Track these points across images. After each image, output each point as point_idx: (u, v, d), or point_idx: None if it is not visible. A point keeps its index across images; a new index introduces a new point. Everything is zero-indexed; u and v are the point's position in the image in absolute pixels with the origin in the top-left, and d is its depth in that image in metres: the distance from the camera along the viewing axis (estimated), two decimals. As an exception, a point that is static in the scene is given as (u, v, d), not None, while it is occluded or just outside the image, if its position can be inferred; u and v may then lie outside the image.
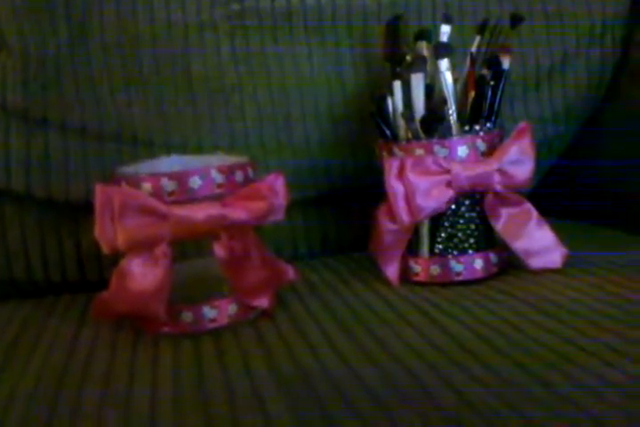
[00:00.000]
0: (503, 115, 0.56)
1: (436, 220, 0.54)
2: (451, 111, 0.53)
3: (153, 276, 0.45)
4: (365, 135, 0.61)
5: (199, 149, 0.60)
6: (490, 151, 0.53)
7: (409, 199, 0.52)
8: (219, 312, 0.48)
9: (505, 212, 0.54)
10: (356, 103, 0.63)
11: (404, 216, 0.52)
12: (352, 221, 0.64)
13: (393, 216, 0.53)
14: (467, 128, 0.53)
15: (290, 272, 0.52)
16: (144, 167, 0.51)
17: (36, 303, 0.57)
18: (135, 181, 0.46)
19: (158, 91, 0.60)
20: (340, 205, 0.65)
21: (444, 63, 0.53)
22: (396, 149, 0.53)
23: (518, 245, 0.53)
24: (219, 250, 0.48)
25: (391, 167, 0.52)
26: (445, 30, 0.56)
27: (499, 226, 0.53)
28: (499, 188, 0.52)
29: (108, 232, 0.45)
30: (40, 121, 0.58)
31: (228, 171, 0.47)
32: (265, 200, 0.47)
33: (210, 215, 0.46)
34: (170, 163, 0.53)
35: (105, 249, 0.46)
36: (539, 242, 0.53)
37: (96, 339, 0.48)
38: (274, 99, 0.61)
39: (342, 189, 0.64)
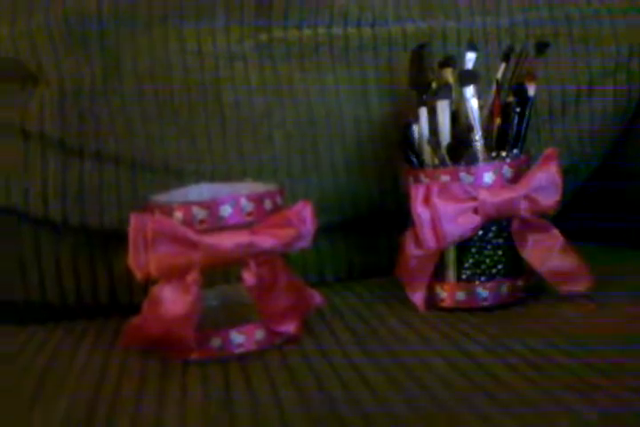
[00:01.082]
0: (529, 139, 0.56)
1: (463, 245, 0.54)
2: (477, 138, 0.53)
3: (183, 302, 0.46)
4: (391, 162, 0.61)
5: (228, 177, 0.61)
6: (516, 177, 0.53)
7: (435, 225, 0.52)
8: (246, 338, 0.49)
9: (531, 237, 0.54)
10: (382, 130, 0.64)
11: (431, 242, 0.53)
12: (377, 247, 0.65)
13: (419, 242, 0.53)
14: (493, 154, 0.54)
15: (317, 298, 0.53)
16: (175, 196, 0.52)
17: (68, 328, 0.58)
18: (167, 210, 0.48)
19: (189, 119, 0.61)
20: (366, 231, 0.65)
21: (470, 90, 0.54)
22: (422, 176, 0.54)
23: (545, 270, 0.54)
24: (247, 277, 0.48)
25: (417, 193, 0.52)
26: (470, 57, 0.57)
27: (526, 252, 0.53)
28: (525, 214, 0.52)
29: (141, 260, 0.46)
30: (76, 150, 0.60)
31: (258, 199, 0.49)
32: (293, 228, 0.48)
33: (239, 243, 0.47)
34: (200, 191, 0.54)
35: (138, 276, 0.47)
36: (566, 267, 0.53)
37: (125, 367, 0.48)
38: (301, 127, 0.63)
39: (368, 215, 0.64)
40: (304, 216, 0.49)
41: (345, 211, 0.64)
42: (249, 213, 0.48)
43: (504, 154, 0.54)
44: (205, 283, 0.48)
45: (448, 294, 0.55)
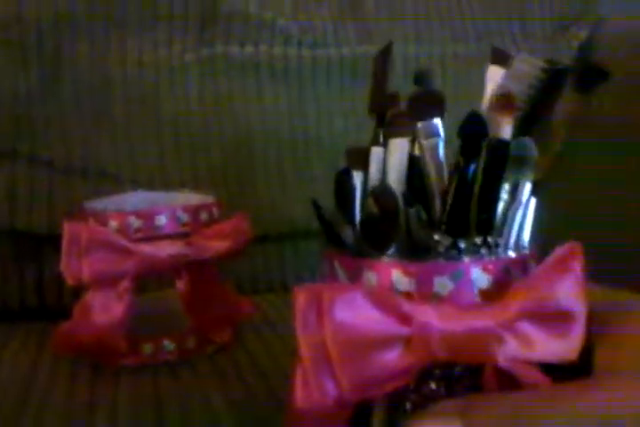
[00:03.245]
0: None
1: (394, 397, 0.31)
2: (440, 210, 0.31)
3: (115, 310, 0.47)
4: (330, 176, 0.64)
5: (165, 185, 0.62)
6: (496, 292, 0.30)
7: (330, 362, 0.29)
8: (178, 345, 0.50)
9: None
10: (318, 146, 0.66)
11: (323, 391, 0.29)
12: (311, 260, 0.67)
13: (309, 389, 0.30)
14: (461, 245, 0.30)
15: (248, 307, 0.55)
16: (111, 203, 0.53)
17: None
18: (102, 218, 0.48)
19: (127, 128, 0.62)
20: (300, 244, 0.67)
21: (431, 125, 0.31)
22: (336, 264, 0.31)
23: None
24: (180, 286, 0.50)
25: (304, 304, 0.30)
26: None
27: None
28: (505, 362, 0.29)
29: (74, 266, 0.47)
30: (9, 153, 0.60)
31: (194, 210, 0.50)
32: (228, 240, 0.50)
33: (173, 254, 0.48)
34: (136, 198, 0.54)
35: (69, 281, 0.47)
36: None
37: (55, 371, 0.48)
38: (239, 141, 0.64)
39: (303, 229, 0.66)
40: (240, 229, 0.51)
41: (280, 224, 0.66)
42: (184, 224, 0.49)
43: (479, 242, 0.30)
44: (138, 290, 0.49)
45: None
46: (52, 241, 0.50)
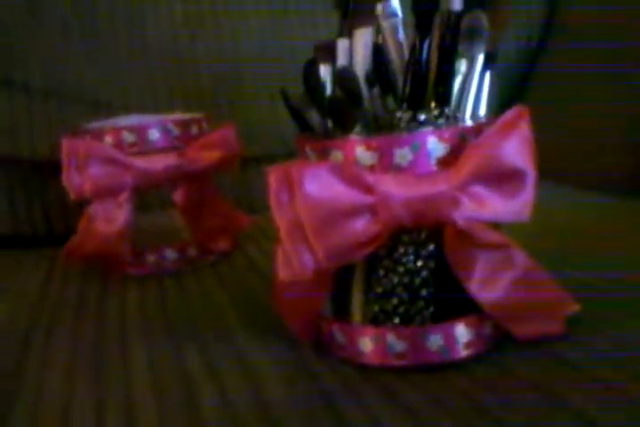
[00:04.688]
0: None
1: (370, 264, 0.35)
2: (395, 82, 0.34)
3: (118, 219, 0.49)
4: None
5: (157, 110, 0.64)
6: (453, 159, 0.32)
7: (305, 235, 0.32)
8: (180, 254, 0.53)
9: (479, 259, 0.33)
10: (304, 58, 0.67)
11: (303, 264, 0.33)
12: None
13: (287, 261, 0.34)
14: (421, 117, 0.33)
15: (245, 219, 0.57)
16: (107, 124, 0.55)
17: (3, 254, 0.61)
18: (98, 135, 0.50)
19: (115, 55, 0.64)
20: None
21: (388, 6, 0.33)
22: (307, 148, 0.34)
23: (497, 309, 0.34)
24: (177, 197, 0.52)
25: (275, 182, 0.33)
26: None
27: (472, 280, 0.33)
28: (464, 222, 0.32)
29: (75, 180, 0.49)
30: (5, 82, 0.62)
31: (184, 124, 0.52)
32: (218, 150, 0.52)
33: (168, 165, 0.51)
34: (129, 121, 0.56)
35: (72, 195, 0.50)
36: (524, 306, 0.34)
37: (67, 280, 0.52)
38: (226, 60, 0.66)
39: (295, 147, 0.68)
40: (228, 139, 0.53)
41: (271, 143, 0.67)
42: (176, 138, 0.51)
43: (437, 113, 0.33)
44: (140, 210, 0.52)
45: (348, 340, 0.35)
46: (55, 168, 0.52)
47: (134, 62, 0.64)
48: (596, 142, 0.63)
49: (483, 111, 0.33)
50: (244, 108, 0.66)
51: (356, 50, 0.34)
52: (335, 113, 0.32)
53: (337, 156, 0.32)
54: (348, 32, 0.35)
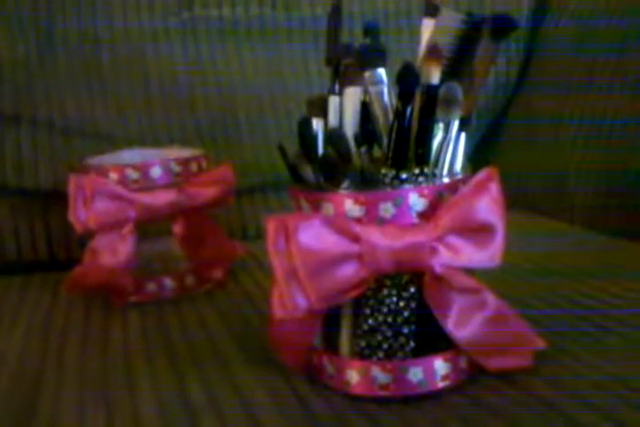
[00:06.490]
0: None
1: (358, 304, 0.38)
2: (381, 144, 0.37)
3: (120, 252, 0.53)
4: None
5: (156, 142, 0.67)
6: (430, 212, 0.36)
7: (299, 279, 0.36)
8: (178, 283, 0.56)
9: (454, 301, 0.37)
10: (297, 101, 0.71)
11: (295, 304, 0.36)
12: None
13: (283, 301, 0.37)
14: (403, 176, 0.36)
15: (240, 248, 0.61)
16: (109, 159, 0.58)
17: (8, 281, 0.64)
18: (103, 171, 0.54)
19: (116, 90, 0.67)
20: (283, 194, 0.73)
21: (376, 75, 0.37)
22: (302, 200, 0.38)
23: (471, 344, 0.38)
24: (176, 229, 0.56)
25: (272, 232, 0.36)
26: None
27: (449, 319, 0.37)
28: (441, 268, 0.36)
29: (81, 215, 0.53)
30: (12, 118, 0.65)
31: (185, 162, 0.55)
32: (216, 187, 0.55)
33: (169, 201, 0.54)
34: (130, 154, 0.60)
35: (77, 229, 0.53)
36: (496, 340, 0.38)
37: (71, 309, 0.55)
38: (222, 99, 0.69)
39: (286, 179, 0.72)
40: (226, 177, 0.56)
41: (265, 177, 0.71)
42: (177, 175, 0.55)
43: (417, 172, 0.36)
44: (140, 237, 0.55)
45: (337, 370, 0.39)
46: (57, 197, 0.55)
47: (135, 98, 0.68)
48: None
49: (459, 167, 0.38)
50: (240, 144, 0.70)
51: (346, 108, 0.39)
52: (327, 169, 0.36)
53: (328, 208, 0.36)
54: (339, 88, 0.39)
